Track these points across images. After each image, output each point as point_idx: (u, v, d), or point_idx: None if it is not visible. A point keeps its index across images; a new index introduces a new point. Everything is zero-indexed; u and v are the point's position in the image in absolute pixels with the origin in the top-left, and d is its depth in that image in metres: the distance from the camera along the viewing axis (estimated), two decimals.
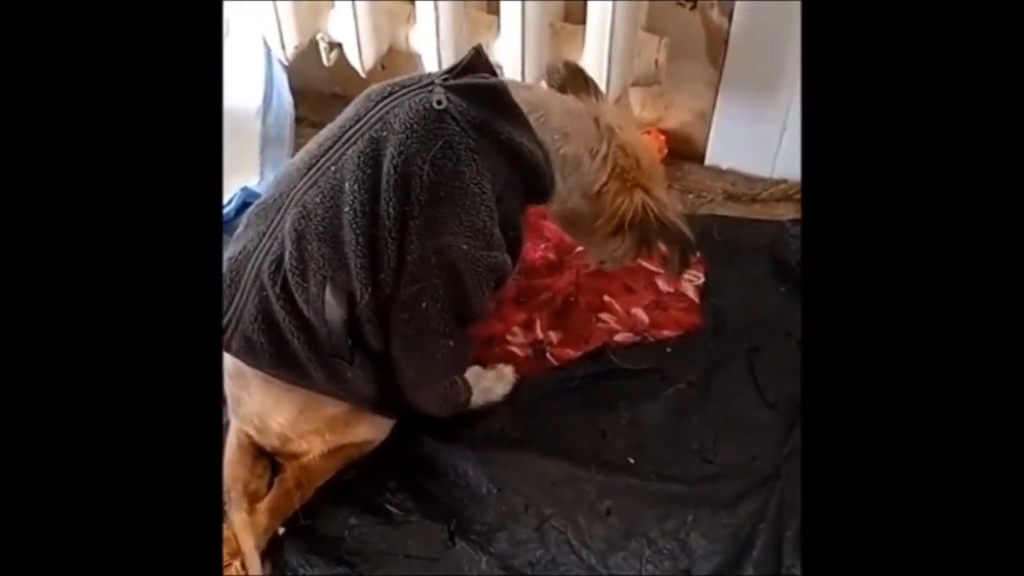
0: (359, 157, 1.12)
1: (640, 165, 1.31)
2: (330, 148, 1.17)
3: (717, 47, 1.73)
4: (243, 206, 1.82)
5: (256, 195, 1.79)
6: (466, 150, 1.13)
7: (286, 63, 1.87)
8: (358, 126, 1.16)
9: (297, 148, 1.90)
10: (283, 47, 1.81)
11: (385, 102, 1.16)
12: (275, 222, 1.17)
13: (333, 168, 1.14)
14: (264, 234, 1.18)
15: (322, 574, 1.24)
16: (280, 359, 1.20)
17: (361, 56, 1.75)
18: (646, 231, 1.32)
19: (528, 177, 1.22)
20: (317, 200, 1.14)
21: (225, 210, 1.81)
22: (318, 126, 1.27)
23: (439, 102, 1.12)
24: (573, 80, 1.36)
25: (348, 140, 1.15)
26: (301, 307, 1.16)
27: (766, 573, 1.22)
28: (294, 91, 1.95)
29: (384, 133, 1.13)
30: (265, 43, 1.87)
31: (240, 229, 1.24)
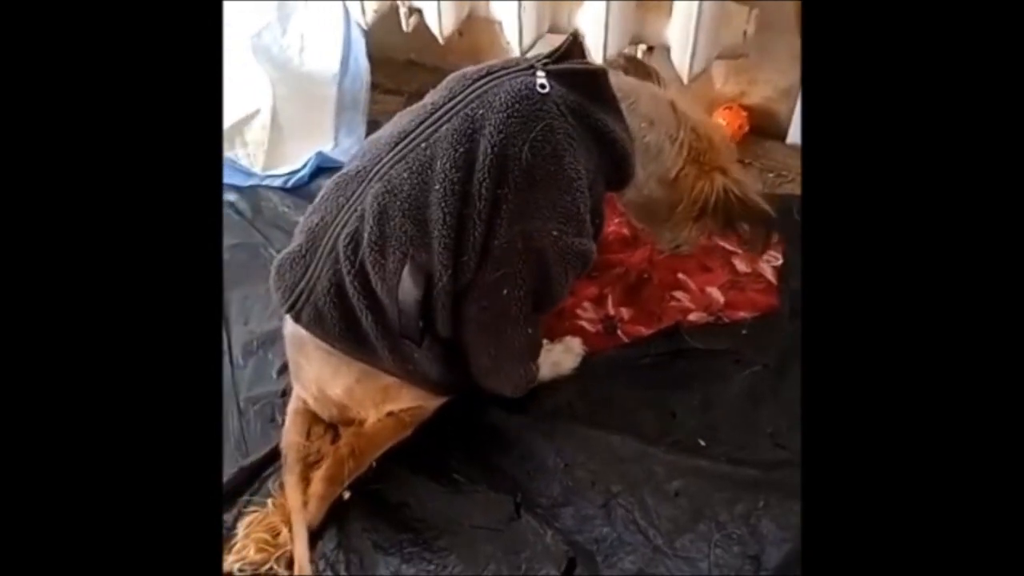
0: (453, 135, 1.09)
1: (714, 146, 1.28)
2: (421, 124, 1.14)
3: None
4: (317, 171, 1.84)
5: (330, 160, 1.81)
6: (565, 135, 1.11)
7: (365, 28, 1.86)
8: (453, 104, 1.13)
9: (372, 114, 1.90)
10: (363, 12, 1.80)
11: (482, 82, 1.13)
12: (356, 195, 1.15)
13: (424, 145, 1.11)
14: (343, 207, 1.16)
15: (387, 539, 1.24)
16: (349, 335, 1.19)
17: (440, 22, 1.73)
18: (729, 213, 1.29)
19: (616, 165, 1.20)
20: (404, 176, 1.11)
21: (299, 174, 1.83)
22: (393, 92, 1.27)
23: (542, 86, 1.10)
24: (636, 68, 1.35)
25: (442, 118, 1.12)
26: (374, 285, 1.14)
27: None
28: (370, 57, 1.95)
29: (482, 112, 1.10)
30: (345, 7, 1.86)
31: (318, 200, 1.23)
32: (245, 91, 1.83)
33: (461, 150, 1.09)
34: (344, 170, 1.21)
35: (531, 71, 1.12)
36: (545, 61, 1.14)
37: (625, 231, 1.66)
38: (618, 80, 1.23)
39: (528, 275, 1.15)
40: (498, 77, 1.13)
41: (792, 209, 1.69)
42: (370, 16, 1.80)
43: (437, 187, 1.09)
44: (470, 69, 1.18)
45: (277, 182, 1.83)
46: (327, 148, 1.86)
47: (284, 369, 1.45)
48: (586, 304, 1.55)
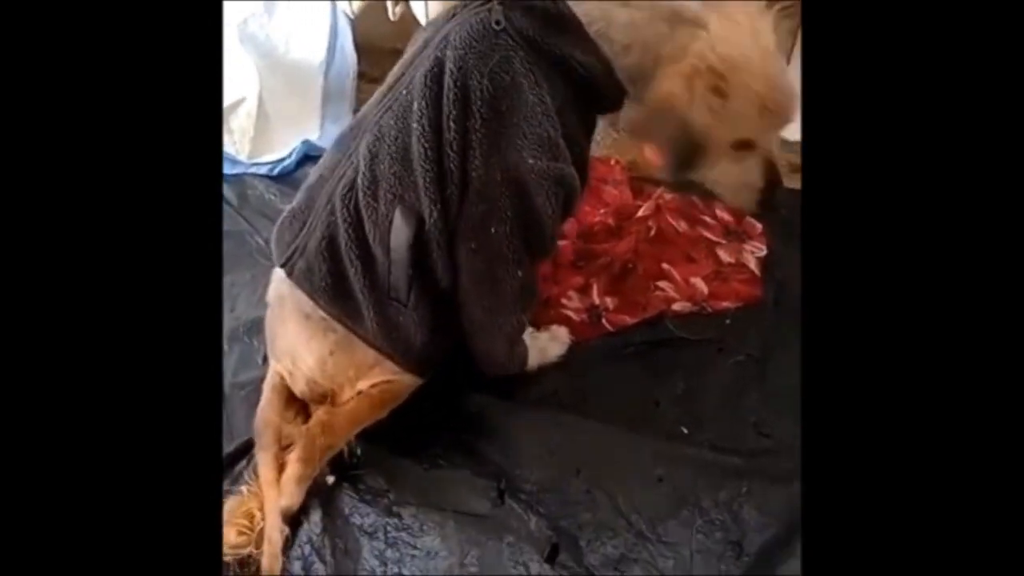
0: (424, 76, 1.15)
1: (727, 80, 1.19)
2: (402, 74, 1.20)
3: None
4: (303, 158, 1.84)
5: (317, 148, 1.81)
6: (522, 63, 1.14)
7: (351, 17, 1.86)
8: (426, 50, 1.18)
9: (359, 103, 1.90)
10: (349, 2, 1.80)
11: (448, 24, 1.18)
12: (351, 148, 1.22)
13: (404, 91, 1.18)
14: (340, 161, 1.22)
15: (372, 524, 1.25)
16: (336, 290, 1.22)
17: (427, 11, 1.74)
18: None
19: (586, 91, 1.22)
20: (391, 123, 1.18)
21: (286, 162, 1.83)
22: (379, 81, 1.28)
23: (497, 21, 1.14)
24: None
25: (418, 63, 1.18)
26: (368, 233, 1.19)
27: None
28: (357, 46, 1.95)
29: (447, 52, 1.15)
30: None
31: (319, 162, 1.29)
32: (231, 79, 1.82)
33: (434, 88, 1.15)
34: (343, 130, 1.29)
35: (488, 6, 1.16)
36: None
37: (611, 221, 1.67)
38: (584, 7, 1.22)
39: (512, 208, 1.18)
40: (460, 16, 1.18)
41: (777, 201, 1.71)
42: (356, 5, 1.80)
43: (415, 126, 1.15)
44: (440, 12, 1.23)
45: (263, 170, 1.83)
46: (313, 136, 1.87)
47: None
48: (571, 293, 1.56)
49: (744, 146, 1.26)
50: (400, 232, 1.17)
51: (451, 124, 1.13)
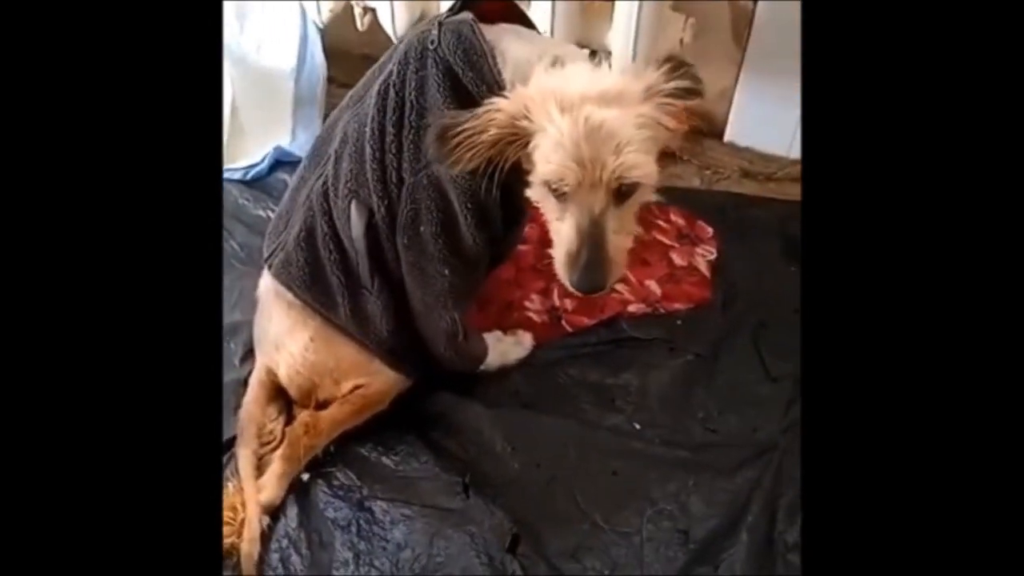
0: (379, 86, 1.26)
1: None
2: (367, 82, 1.32)
3: (742, 28, 1.77)
4: (275, 164, 1.89)
5: (288, 154, 1.87)
6: (436, 85, 1.20)
7: (321, 26, 1.92)
8: (388, 63, 1.28)
9: (329, 108, 1.96)
10: (319, 11, 1.85)
11: (406, 40, 1.27)
12: (325, 151, 1.34)
13: (365, 98, 1.29)
14: (316, 163, 1.36)
15: (344, 517, 1.33)
16: (312, 279, 1.34)
17: (394, 21, 1.79)
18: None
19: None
20: (354, 126, 1.29)
21: (258, 167, 1.89)
22: (348, 87, 1.36)
23: (432, 40, 1.20)
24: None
25: (381, 70, 1.29)
26: (337, 224, 1.31)
27: (759, 538, 1.29)
28: (326, 52, 2.00)
29: (394, 65, 1.25)
30: (301, 6, 1.91)
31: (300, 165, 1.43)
32: None
33: (382, 98, 1.25)
34: (320, 133, 1.41)
35: (432, 25, 1.23)
36: (449, 13, 1.24)
37: None
38: (495, 34, 1.24)
39: (436, 210, 1.25)
40: (411, 33, 1.28)
41: (727, 206, 1.80)
42: (325, 15, 1.85)
43: (367, 130, 1.26)
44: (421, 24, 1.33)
45: (237, 175, 1.89)
46: (285, 142, 1.92)
47: (246, 357, 1.53)
48: (533, 296, 1.64)
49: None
50: (356, 224, 1.28)
51: (391, 130, 1.24)
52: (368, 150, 1.26)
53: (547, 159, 1.10)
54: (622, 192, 1.13)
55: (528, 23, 1.34)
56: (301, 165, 1.42)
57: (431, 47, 1.20)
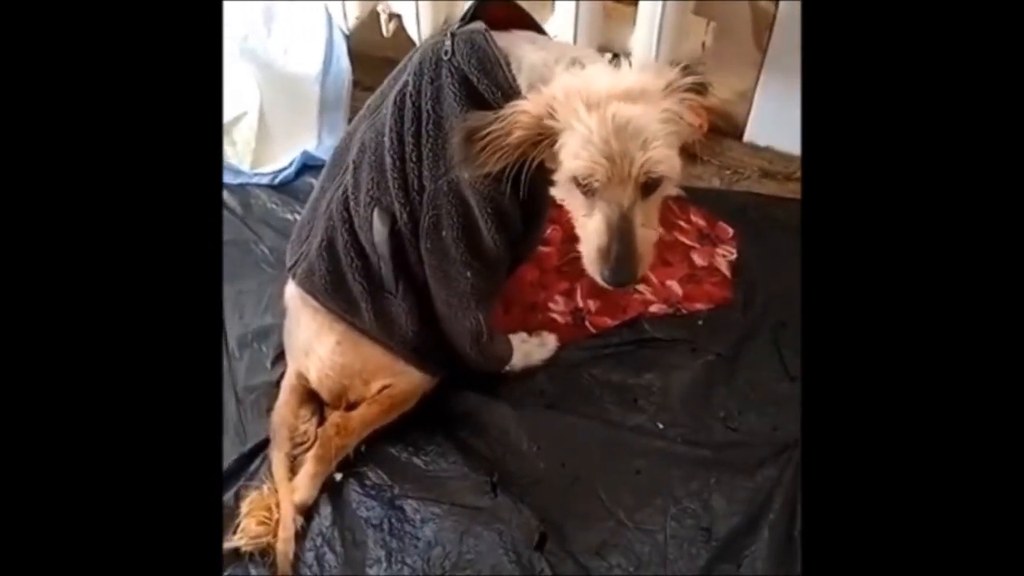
0: (395, 96, 1.29)
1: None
2: (384, 91, 1.35)
3: (762, 30, 1.79)
4: (303, 168, 1.93)
5: (315, 158, 1.91)
6: (453, 94, 1.23)
7: (347, 32, 1.95)
8: (403, 73, 1.31)
9: (353, 112, 1.99)
10: (345, 17, 1.89)
11: (420, 49, 1.30)
12: (344, 161, 1.37)
13: (383, 108, 1.32)
14: (336, 173, 1.39)
15: (377, 516, 1.38)
16: (334, 287, 1.37)
17: (419, 27, 1.82)
18: None
19: None
20: (371, 136, 1.32)
21: (286, 172, 1.93)
22: (373, 89, 1.39)
23: (446, 51, 1.23)
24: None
25: (396, 81, 1.32)
26: (358, 232, 1.34)
27: (780, 535, 1.33)
28: (351, 56, 2.03)
29: (410, 75, 1.28)
30: (327, 11, 1.95)
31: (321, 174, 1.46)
32: (234, 92, 1.91)
33: (398, 108, 1.28)
34: (338, 143, 1.44)
35: (444, 36, 1.25)
36: (460, 23, 1.27)
37: None
38: (508, 41, 1.27)
39: (457, 216, 1.29)
40: (427, 43, 1.30)
41: (747, 206, 1.82)
42: (352, 22, 1.88)
43: (386, 140, 1.29)
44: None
45: (265, 180, 1.93)
46: (311, 147, 1.95)
47: (277, 360, 1.57)
48: (557, 297, 1.67)
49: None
50: (379, 230, 1.32)
51: (409, 139, 1.26)
52: (388, 159, 1.29)
53: (576, 156, 1.13)
54: (648, 186, 1.17)
55: (539, 29, 1.36)
56: (321, 175, 1.45)
57: (445, 57, 1.23)
